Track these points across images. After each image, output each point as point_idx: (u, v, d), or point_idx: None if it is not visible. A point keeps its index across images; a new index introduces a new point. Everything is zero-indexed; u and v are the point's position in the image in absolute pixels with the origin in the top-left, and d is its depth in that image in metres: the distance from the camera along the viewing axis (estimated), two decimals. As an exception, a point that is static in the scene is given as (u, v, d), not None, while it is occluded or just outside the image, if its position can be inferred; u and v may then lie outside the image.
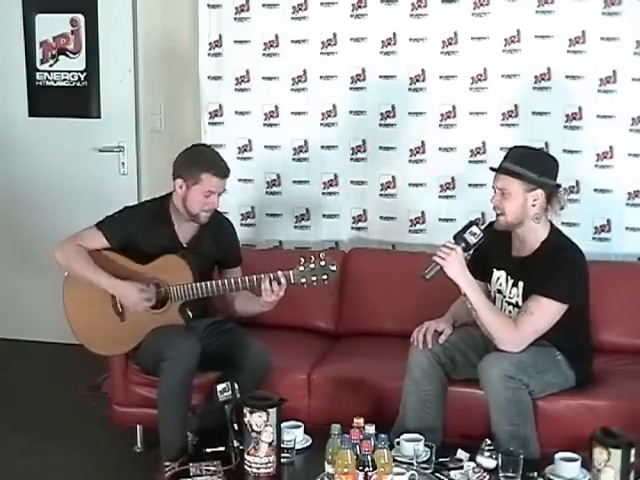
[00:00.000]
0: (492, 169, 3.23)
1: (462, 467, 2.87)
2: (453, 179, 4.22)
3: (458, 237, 3.17)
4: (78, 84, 4.81)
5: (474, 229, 3.16)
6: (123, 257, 3.47)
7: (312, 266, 3.31)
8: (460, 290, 3.17)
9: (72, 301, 3.51)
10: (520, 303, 3.22)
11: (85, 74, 4.79)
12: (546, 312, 3.13)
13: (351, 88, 4.26)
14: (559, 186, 3.21)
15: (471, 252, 3.24)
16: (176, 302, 3.43)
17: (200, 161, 3.43)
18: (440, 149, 4.21)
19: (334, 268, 3.32)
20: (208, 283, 3.39)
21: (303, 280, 3.31)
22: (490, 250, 3.27)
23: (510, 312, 3.26)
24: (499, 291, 3.32)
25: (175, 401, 3.30)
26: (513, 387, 3.07)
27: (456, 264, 3.11)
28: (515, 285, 3.25)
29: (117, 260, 3.46)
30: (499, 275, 3.32)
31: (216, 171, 3.40)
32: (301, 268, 3.30)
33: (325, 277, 3.31)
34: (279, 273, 3.31)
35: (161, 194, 3.59)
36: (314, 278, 3.30)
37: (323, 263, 3.31)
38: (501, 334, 3.14)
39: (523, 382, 3.09)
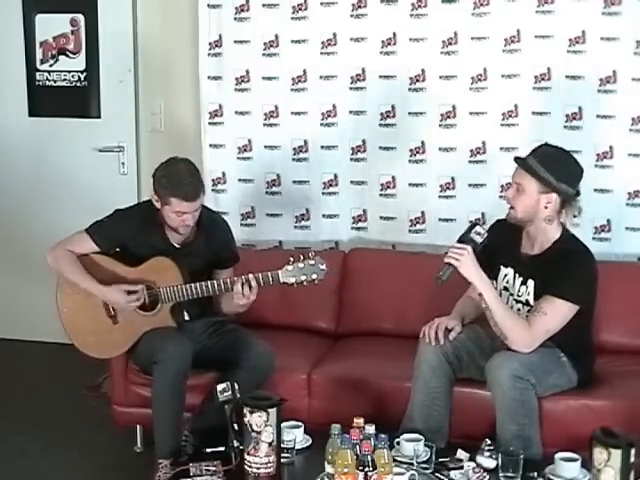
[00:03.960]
0: (517, 159, 3.21)
1: (462, 467, 2.87)
2: (453, 179, 4.21)
3: (465, 238, 3.16)
4: (78, 84, 4.81)
5: (478, 229, 3.17)
6: (112, 260, 3.48)
7: (301, 265, 3.28)
8: (475, 289, 3.16)
9: (66, 306, 3.53)
10: (531, 301, 3.22)
11: (85, 74, 4.79)
12: (559, 313, 3.13)
13: (351, 88, 4.26)
14: (577, 194, 3.20)
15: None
16: (167, 303, 3.43)
17: (169, 184, 3.32)
18: (440, 149, 4.20)
19: (323, 267, 3.29)
20: (195, 285, 3.38)
21: (292, 280, 3.28)
22: (497, 247, 3.26)
23: (519, 310, 3.26)
24: (506, 288, 3.32)
25: (167, 403, 3.31)
26: (521, 387, 3.07)
27: (470, 264, 3.10)
28: (524, 283, 3.25)
29: (106, 264, 3.47)
30: (506, 272, 3.31)
31: (183, 196, 3.29)
32: (289, 267, 3.28)
33: (315, 276, 3.28)
34: (250, 276, 3.30)
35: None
36: (303, 277, 3.28)
37: (312, 262, 3.28)
38: (514, 334, 3.13)
39: (531, 382, 3.09)
